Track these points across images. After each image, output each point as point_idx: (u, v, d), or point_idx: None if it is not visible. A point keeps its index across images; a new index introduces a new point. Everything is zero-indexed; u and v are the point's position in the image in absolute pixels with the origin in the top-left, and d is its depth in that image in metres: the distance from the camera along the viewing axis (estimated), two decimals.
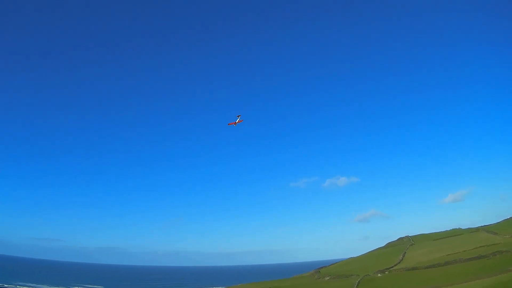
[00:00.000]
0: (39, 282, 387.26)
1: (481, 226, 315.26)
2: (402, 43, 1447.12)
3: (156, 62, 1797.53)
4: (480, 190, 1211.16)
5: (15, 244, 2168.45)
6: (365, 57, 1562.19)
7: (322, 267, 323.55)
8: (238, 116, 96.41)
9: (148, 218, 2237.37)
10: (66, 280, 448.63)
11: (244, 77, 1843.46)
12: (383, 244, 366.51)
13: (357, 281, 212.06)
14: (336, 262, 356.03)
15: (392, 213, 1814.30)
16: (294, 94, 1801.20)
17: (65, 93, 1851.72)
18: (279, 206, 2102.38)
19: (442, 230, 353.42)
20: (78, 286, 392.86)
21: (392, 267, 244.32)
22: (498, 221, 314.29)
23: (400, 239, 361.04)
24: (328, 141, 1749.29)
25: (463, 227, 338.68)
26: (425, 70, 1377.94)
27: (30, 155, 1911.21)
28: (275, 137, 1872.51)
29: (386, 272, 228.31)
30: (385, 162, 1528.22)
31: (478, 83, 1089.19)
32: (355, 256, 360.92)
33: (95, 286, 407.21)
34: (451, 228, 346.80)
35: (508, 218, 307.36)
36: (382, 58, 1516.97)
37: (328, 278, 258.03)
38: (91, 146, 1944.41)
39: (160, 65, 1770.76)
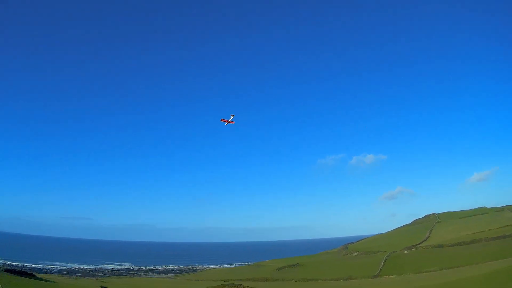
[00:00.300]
0: (68, 261, 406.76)
1: (506, 205, 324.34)
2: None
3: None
4: (505, 170, 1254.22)
5: (44, 224, 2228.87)
6: (396, 42, 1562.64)
7: (349, 243, 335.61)
8: (232, 115, 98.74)
9: (176, 195, 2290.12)
10: (94, 258, 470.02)
11: (281, 58, 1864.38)
12: (410, 221, 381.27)
13: (384, 258, 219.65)
14: (364, 239, 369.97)
15: (419, 190, 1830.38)
16: (324, 76, 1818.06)
17: (102, 74, 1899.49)
18: (307, 182, 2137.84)
19: (468, 209, 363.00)
20: (106, 264, 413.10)
21: (419, 244, 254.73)
22: None
23: (427, 216, 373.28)
24: (356, 118, 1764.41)
25: (488, 206, 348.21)
26: (456, 53, 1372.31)
27: (58, 136, 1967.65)
28: (303, 115, 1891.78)
29: (413, 249, 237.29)
30: (412, 140, 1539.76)
31: (507, 63, 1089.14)
32: (382, 233, 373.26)
33: (124, 264, 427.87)
34: (477, 207, 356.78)
35: None
36: (415, 43, 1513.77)
37: (355, 254, 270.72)
38: (119, 126, 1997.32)
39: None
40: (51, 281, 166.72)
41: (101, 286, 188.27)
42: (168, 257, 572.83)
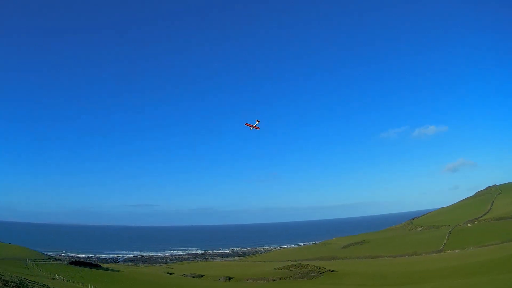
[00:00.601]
0: (133, 249, 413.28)
1: None
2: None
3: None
4: None
5: (107, 213, 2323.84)
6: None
7: (414, 218, 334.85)
8: (258, 121, 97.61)
9: (239, 177, 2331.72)
10: (160, 245, 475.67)
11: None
12: (472, 194, 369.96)
13: (448, 232, 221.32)
14: (428, 213, 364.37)
15: (480, 161, 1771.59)
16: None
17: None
18: (370, 158, 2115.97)
19: None
20: (173, 250, 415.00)
21: (481, 217, 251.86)
22: None
23: (488, 188, 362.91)
24: (417, 89, 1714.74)
25: None
26: None
27: (118, 128, 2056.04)
28: (365, 87, 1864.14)
29: (475, 222, 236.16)
30: (474, 109, 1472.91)
31: None
32: (445, 206, 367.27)
33: (190, 249, 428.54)
34: None
35: None
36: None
37: (420, 229, 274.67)
38: (179, 117, 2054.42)
39: None
40: (117, 271, 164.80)
41: (167, 272, 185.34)
42: (234, 239, 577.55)
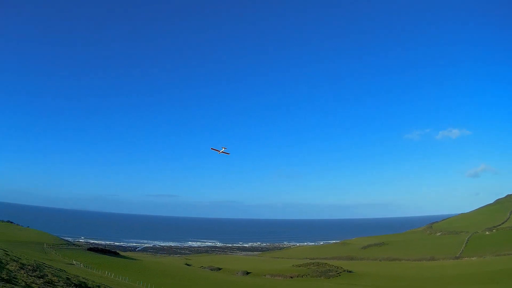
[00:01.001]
0: (153, 238, 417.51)
1: None
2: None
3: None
4: None
5: (129, 202, 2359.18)
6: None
7: (434, 222, 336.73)
8: (224, 148, 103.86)
9: (265, 172, 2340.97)
10: (180, 236, 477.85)
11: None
12: (492, 201, 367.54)
13: (466, 238, 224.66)
14: (448, 218, 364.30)
15: (502, 168, 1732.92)
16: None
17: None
18: (394, 158, 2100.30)
19: None
20: (192, 241, 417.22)
21: (499, 225, 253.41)
22: None
23: (508, 196, 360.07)
24: (443, 91, 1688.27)
25: None
26: None
27: (143, 118, 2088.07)
28: (391, 87, 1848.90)
29: (494, 230, 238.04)
30: (498, 116, 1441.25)
31: None
32: (465, 212, 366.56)
33: (210, 241, 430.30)
34: None
35: None
36: None
37: (439, 233, 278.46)
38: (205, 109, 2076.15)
39: None
40: (135, 259, 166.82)
41: (185, 264, 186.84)
42: (255, 234, 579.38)
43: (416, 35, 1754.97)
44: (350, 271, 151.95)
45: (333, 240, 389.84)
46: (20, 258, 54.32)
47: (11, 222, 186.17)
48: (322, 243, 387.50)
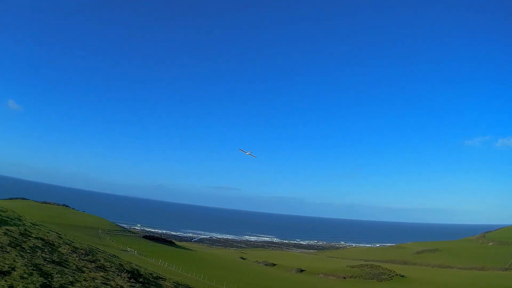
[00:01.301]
0: (210, 230, 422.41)
1: None
2: None
3: None
4: None
5: (189, 192, 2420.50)
6: None
7: (487, 232, 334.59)
8: (250, 151, 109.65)
9: (325, 170, 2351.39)
10: (238, 229, 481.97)
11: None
12: None
13: None
14: (502, 228, 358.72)
15: None
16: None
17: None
18: (452, 164, 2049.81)
19: None
20: (249, 235, 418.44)
21: None
22: None
23: None
24: (505, 97, 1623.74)
25: None
26: None
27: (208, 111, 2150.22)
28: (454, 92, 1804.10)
29: None
30: None
31: None
32: None
33: (267, 236, 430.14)
34: None
35: None
36: None
37: (491, 243, 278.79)
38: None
39: None
40: (190, 249, 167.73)
41: (240, 257, 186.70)
42: (313, 232, 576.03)
43: (480, 41, 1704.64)
44: (402, 276, 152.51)
45: (389, 243, 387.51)
46: (73, 242, 54.32)
47: (67, 206, 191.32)
48: (378, 245, 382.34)
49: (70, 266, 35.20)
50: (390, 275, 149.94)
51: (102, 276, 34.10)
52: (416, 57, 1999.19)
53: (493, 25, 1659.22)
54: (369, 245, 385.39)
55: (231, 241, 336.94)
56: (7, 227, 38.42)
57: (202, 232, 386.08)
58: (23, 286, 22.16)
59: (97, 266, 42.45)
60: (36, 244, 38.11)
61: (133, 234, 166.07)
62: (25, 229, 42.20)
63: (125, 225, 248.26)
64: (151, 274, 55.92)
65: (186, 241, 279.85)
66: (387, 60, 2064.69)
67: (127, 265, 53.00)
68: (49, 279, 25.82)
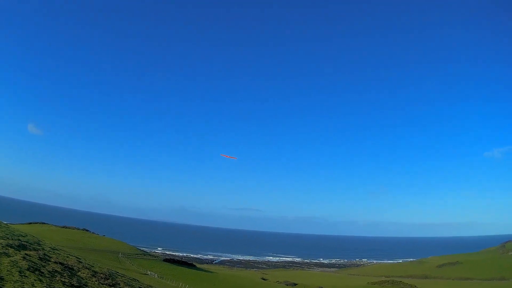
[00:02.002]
0: (231, 252, 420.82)
1: None
2: None
3: None
4: None
5: (210, 215, 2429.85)
6: None
7: (507, 242, 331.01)
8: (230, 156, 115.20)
9: (349, 188, 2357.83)
10: (259, 250, 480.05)
11: None
12: None
13: None
14: None
15: None
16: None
17: None
18: (472, 177, 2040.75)
19: None
20: (271, 256, 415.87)
21: None
22: None
23: None
24: None
25: None
26: None
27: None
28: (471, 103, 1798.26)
29: None
30: None
31: None
32: None
33: (288, 256, 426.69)
34: None
35: None
36: None
37: (511, 253, 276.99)
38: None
39: None
40: (211, 272, 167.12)
41: (262, 278, 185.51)
42: (335, 250, 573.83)
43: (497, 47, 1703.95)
44: None
45: (410, 258, 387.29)
46: (92, 266, 54.50)
47: (87, 230, 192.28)
48: (401, 261, 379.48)
49: None
50: None
51: None
52: (433, 64, 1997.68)
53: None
54: (391, 261, 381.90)
55: (252, 262, 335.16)
56: (26, 252, 38.74)
57: (223, 254, 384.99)
58: None
59: None
60: (55, 269, 38.30)
61: (153, 258, 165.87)
62: (44, 254, 42.50)
63: (145, 249, 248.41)
64: None
65: (207, 263, 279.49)
66: (405, 77, 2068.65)
67: None
68: None
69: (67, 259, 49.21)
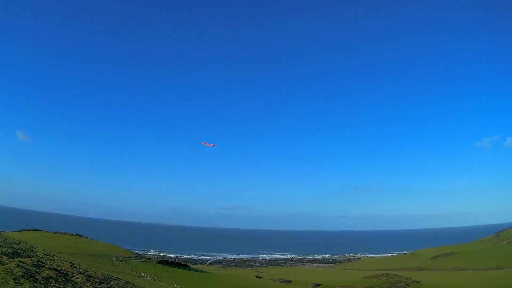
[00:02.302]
0: (224, 251, 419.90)
1: None
2: None
3: None
4: None
5: (202, 215, 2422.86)
6: None
7: (501, 231, 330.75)
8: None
9: (339, 183, 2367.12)
10: (252, 248, 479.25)
11: None
12: None
13: None
14: None
15: None
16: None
17: None
18: (463, 166, 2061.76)
19: None
20: (265, 254, 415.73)
21: None
22: None
23: None
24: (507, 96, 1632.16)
25: None
26: None
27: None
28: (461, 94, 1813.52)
29: None
30: None
31: None
32: None
33: (282, 253, 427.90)
34: None
35: None
36: None
37: (506, 242, 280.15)
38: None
39: None
40: (205, 272, 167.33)
41: (256, 276, 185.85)
42: (328, 246, 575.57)
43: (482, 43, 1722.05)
44: (418, 282, 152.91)
45: (404, 250, 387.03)
46: (87, 271, 54.72)
47: (80, 235, 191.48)
48: (396, 253, 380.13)
49: None
50: (406, 283, 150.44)
51: None
52: (419, 60, 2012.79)
53: (493, 25, 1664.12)
54: (385, 255, 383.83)
55: (246, 260, 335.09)
56: (20, 259, 38.95)
57: (217, 254, 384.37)
58: None
59: None
60: (50, 275, 38.53)
61: (147, 260, 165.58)
62: (38, 260, 42.71)
63: (139, 251, 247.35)
64: None
65: (201, 263, 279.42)
66: (390, 64, 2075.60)
67: None
68: None
69: (61, 264, 49.42)
